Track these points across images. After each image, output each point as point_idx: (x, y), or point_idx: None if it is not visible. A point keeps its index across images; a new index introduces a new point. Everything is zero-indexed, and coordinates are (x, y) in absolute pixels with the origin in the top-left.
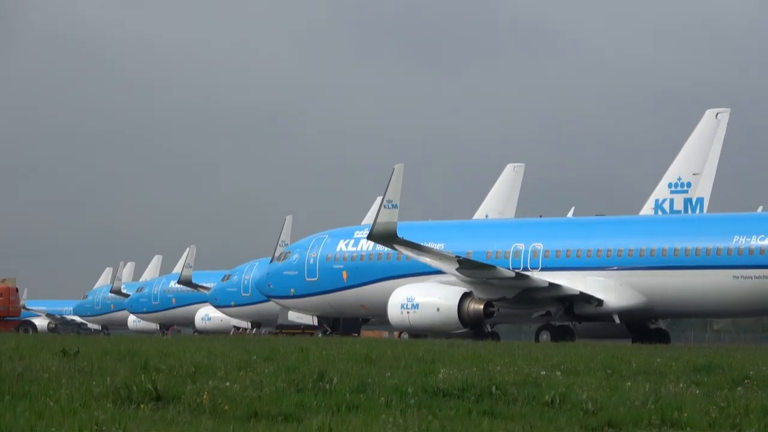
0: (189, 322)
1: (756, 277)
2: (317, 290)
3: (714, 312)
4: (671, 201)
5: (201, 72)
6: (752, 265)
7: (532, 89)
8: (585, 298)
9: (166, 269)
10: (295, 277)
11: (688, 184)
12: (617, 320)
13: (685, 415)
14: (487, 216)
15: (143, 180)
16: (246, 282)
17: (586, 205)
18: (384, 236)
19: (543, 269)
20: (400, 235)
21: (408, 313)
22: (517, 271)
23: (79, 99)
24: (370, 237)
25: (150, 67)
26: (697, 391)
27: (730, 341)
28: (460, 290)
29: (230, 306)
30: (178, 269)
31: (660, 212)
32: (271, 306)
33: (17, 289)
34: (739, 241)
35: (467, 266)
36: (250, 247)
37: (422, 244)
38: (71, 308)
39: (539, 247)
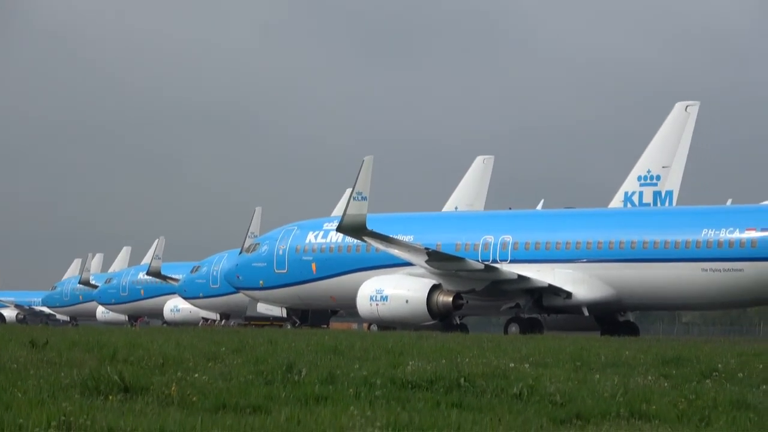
0: (158, 313)
1: (724, 270)
2: (286, 282)
3: (683, 305)
4: (640, 194)
5: (170, 65)
6: (721, 258)
7: (501, 82)
8: (554, 291)
9: (134, 260)
10: (264, 269)
11: (658, 177)
12: (586, 313)
13: (654, 407)
14: (456, 208)
15: (112, 172)
16: (215, 273)
17: (555, 198)
18: (353, 228)
19: (512, 261)
20: (369, 227)
21: (377, 305)
22: (486, 263)
23: (48, 92)
24: (339, 229)
25: (118, 60)
26: (666, 384)
27: (698, 334)
28: (429, 282)
29: (199, 297)
30: (147, 260)
31: (629, 205)
32: (240, 298)
33: None
34: (708, 234)
35: (436, 258)
36: (219, 238)
37: (391, 236)
38: (40, 299)
39: (508, 240)
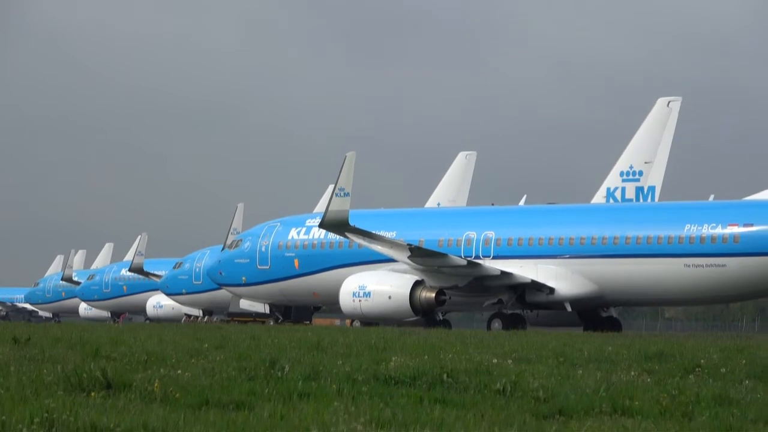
0: (140, 309)
1: (707, 266)
2: (269, 278)
3: (665, 300)
4: (623, 189)
5: (153, 62)
6: (703, 254)
7: (484, 78)
8: (536, 287)
9: (117, 257)
10: (246, 265)
11: (640, 173)
12: (569, 308)
13: (637, 403)
14: (438, 204)
15: (94, 168)
16: (197, 270)
17: (537, 194)
18: (336, 224)
19: (495, 257)
20: (351, 223)
21: (360, 301)
22: (468, 259)
23: (30, 88)
24: (321, 225)
25: (100, 56)
26: (649, 379)
27: (681, 329)
28: (412, 278)
29: (182, 294)
30: (129, 257)
31: (612, 200)
32: (222, 294)
33: None
34: (691, 230)
35: (419, 254)
36: (201, 235)
37: (374, 232)
38: (22, 296)
39: (491, 236)
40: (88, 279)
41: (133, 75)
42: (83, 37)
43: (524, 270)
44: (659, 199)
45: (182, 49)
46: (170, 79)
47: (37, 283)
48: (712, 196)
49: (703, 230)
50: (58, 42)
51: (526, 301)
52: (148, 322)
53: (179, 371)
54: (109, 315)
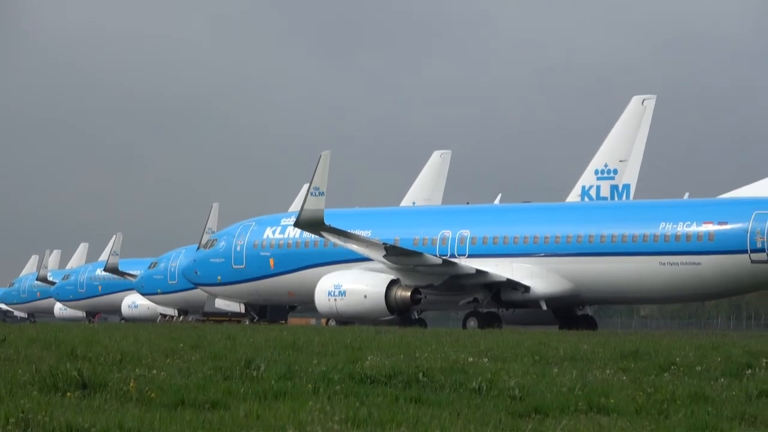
0: (116, 309)
1: (682, 264)
2: (244, 277)
3: (641, 298)
4: (598, 188)
5: (126, 59)
6: (678, 252)
7: (458, 76)
8: (512, 285)
9: (92, 257)
10: (221, 265)
11: (615, 171)
12: (544, 307)
13: (612, 401)
14: (414, 203)
15: (69, 167)
16: (173, 269)
17: (512, 192)
18: (311, 223)
19: (470, 256)
20: (327, 222)
21: (335, 300)
22: (444, 258)
23: (3, 84)
24: (296, 224)
25: (75, 53)
26: (624, 378)
27: (656, 327)
28: (388, 277)
29: (157, 293)
30: (104, 257)
31: (587, 199)
32: (198, 293)
33: None
34: (666, 228)
35: (394, 253)
36: (176, 234)
37: (349, 231)
38: None
39: (466, 234)
40: (63, 279)
41: (108, 73)
42: (58, 34)
43: (500, 269)
44: (634, 198)
45: (157, 48)
46: (146, 78)
47: (12, 283)
48: (687, 194)
49: (678, 228)
50: (33, 39)
51: (502, 300)
52: (123, 321)
53: (155, 371)
54: (85, 315)
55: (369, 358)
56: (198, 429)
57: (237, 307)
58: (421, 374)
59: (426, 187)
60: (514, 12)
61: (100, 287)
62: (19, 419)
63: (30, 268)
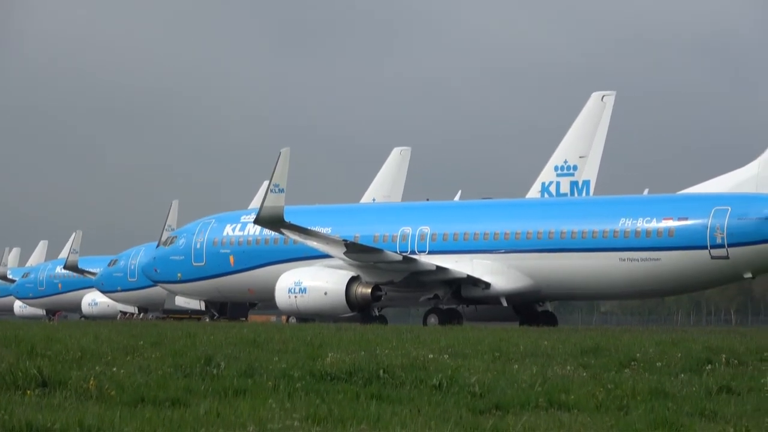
0: (76, 307)
1: (642, 260)
2: (204, 275)
3: (601, 294)
4: (558, 184)
5: (87, 54)
6: (638, 248)
7: (417, 72)
8: (472, 281)
9: (52, 254)
10: (181, 262)
11: (575, 167)
12: (505, 303)
13: (572, 397)
14: (374, 200)
15: (28, 164)
16: (132, 267)
17: (472, 189)
18: (271, 220)
19: (430, 253)
20: (287, 219)
21: (296, 297)
22: (404, 254)
23: None
24: (256, 221)
25: (35, 48)
26: (584, 374)
27: (616, 323)
28: (348, 274)
29: (117, 291)
30: (64, 254)
31: (546, 195)
32: (158, 291)
33: None
34: (626, 224)
35: (354, 250)
36: (136, 232)
37: (309, 228)
38: None
39: (426, 231)
40: (22, 277)
41: (66, 70)
42: (14, 26)
43: (460, 265)
44: (594, 194)
45: (121, 43)
46: (105, 74)
47: None
48: (646, 190)
49: (638, 224)
50: None
51: (462, 296)
52: (83, 319)
53: (115, 369)
54: (45, 313)
55: (329, 355)
56: (158, 427)
57: (197, 305)
58: (381, 371)
59: (386, 183)
60: (475, 10)
61: (60, 285)
62: None
63: None
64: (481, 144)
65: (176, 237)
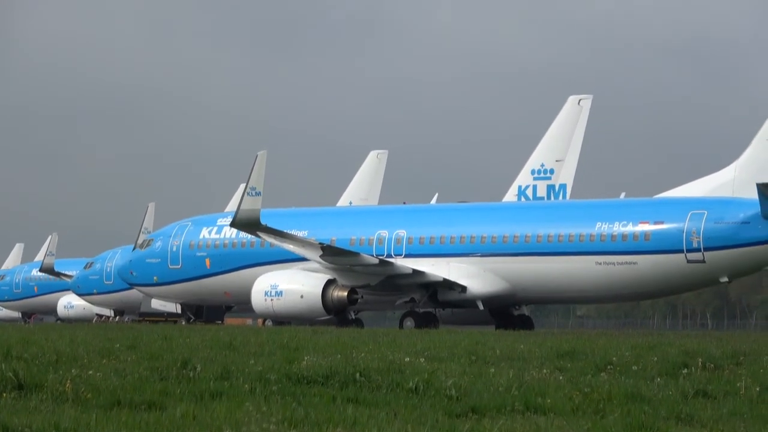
0: (51, 310)
1: (618, 264)
2: (180, 278)
3: (577, 298)
4: (534, 187)
5: (58, 56)
6: (615, 252)
7: (395, 76)
8: (449, 285)
9: (27, 257)
10: (158, 265)
11: (551, 171)
12: (481, 307)
13: (549, 401)
14: (350, 203)
15: (3, 167)
16: (108, 270)
17: (449, 192)
18: (247, 223)
19: (407, 256)
20: (263, 222)
21: (272, 300)
22: (380, 258)
23: None
24: (233, 224)
25: (5, 51)
26: (561, 377)
27: (592, 327)
28: (324, 277)
29: (93, 294)
30: (39, 257)
31: (523, 199)
32: (134, 294)
33: None
34: (602, 228)
35: (331, 253)
36: (112, 234)
37: (286, 231)
38: None
39: (403, 234)
40: None
41: (42, 72)
42: None
43: (436, 268)
44: (570, 197)
45: (93, 44)
46: (80, 76)
47: None
48: (623, 194)
49: (615, 228)
50: None
51: (439, 300)
52: (59, 322)
53: (91, 371)
54: (20, 315)
55: (306, 358)
56: (134, 429)
57: (173, 308)
58: (358, 374)
59: (363, 187)
60: (454, 15)
61: (35, 288)
62: None
63: None
64: (458, 147)
65: (152, 240)
